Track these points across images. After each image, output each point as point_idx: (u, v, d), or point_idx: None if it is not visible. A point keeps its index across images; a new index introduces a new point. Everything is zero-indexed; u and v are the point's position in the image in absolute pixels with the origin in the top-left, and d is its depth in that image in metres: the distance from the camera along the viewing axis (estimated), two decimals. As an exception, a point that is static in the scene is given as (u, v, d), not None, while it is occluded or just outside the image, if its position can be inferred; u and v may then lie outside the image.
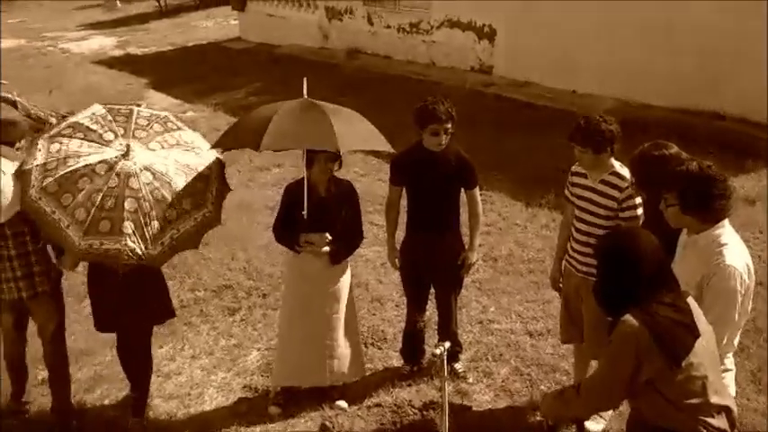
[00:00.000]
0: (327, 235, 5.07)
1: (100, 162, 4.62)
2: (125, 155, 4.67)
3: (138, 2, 28.16)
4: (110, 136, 4.80)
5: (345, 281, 5.31)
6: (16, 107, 11.21)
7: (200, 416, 5.46)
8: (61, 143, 4.70)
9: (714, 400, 3.18)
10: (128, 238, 4.47)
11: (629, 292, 3.19)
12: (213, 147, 5.06)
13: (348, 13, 16.60)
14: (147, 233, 4.53)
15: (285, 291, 5.54)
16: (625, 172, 4.57)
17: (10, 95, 11.73)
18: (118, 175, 4.58)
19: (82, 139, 4.73)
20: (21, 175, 4.60)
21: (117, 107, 5.09)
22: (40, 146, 4.69)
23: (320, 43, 17.34)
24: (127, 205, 4.50)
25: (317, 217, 5.00)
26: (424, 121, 5.07)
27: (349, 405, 5.36)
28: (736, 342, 3.81)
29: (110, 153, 4.67)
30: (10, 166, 4.68)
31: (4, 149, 4.84)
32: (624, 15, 10.92)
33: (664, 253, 3.34)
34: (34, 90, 13.89)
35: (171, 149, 4.89)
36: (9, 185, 4.62)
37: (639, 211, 4.58)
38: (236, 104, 13.10)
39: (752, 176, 8.41)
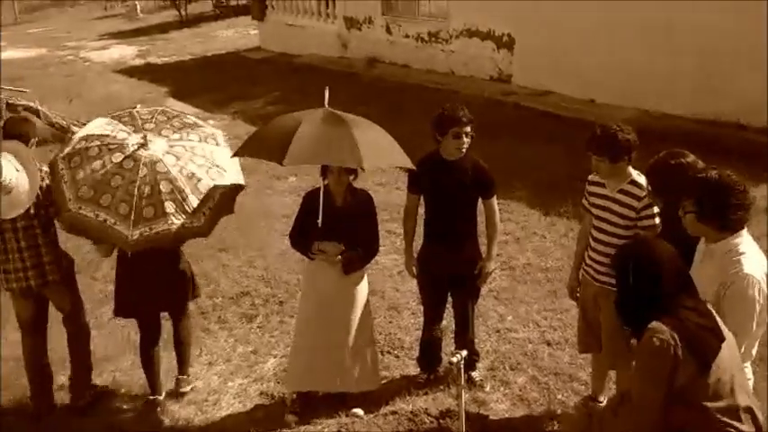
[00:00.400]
0: (340, 245, 5.08)
1: (124, 158, 4.88)
2: (143, 145, 4.94)
3: (159, 12, 28.45)
4: (123, 135, 5.02)
5: (361, 290, 5.31)
6: (39, 116, 11.38)
7: (217, 422, 5.47)
8: (80, 155, 4.91)
9: (741, 400, 3.17)
10: (173, 217, 4.81)
11: (652, 302, 3.17)
12: (234, 155, 5.10)
13: (367, 22, 16.68)
14: (187, 208, 4.86)
15: (301, 297, 5.58)
16: (643, 181, 4.54)
17: (32, 104, 11.89)
18: (144, 164, 4.86)
19: (99, 144, 4.94)
20: (57, 197, 4.86)
21: (117, 113, 5.32)
22: (61, 167, 4.89)
23: (339, 52, 17.43)
24: (162, 188, 4.82)
25: (332, 226, 5.02)
26: (446, 126, 5.07)
27: (365, 413, 5.35)
28: (754, 352, 3.77)
29: (130, 148, 4.93)
30: (19, 164, 4.89)
31: (18, 146, 5.03)
32: (644, 25, 10.89)
33: (681, 260, 3.32)
34: (55, 99, 14.06)
35: (182, 131, 5.21)
36: (23, 182, 4.86)
37: (657, 220, 4.56)
38: (255, 113, 13.19)
39: (772, 186, 8.33)
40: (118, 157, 4.87)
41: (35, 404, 5.49)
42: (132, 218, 4.71)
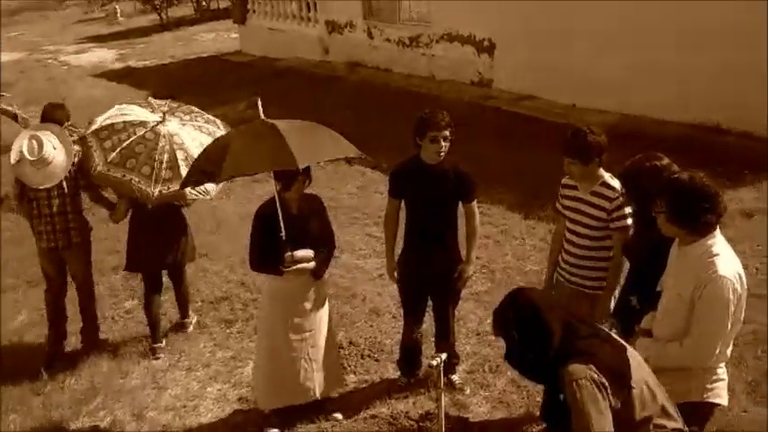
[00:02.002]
0: (310, 251, 5.08)
1: (146, 132, 5.91)
2: (162, 122, 5.98)
3: (139, 15, 28.32)
4: (144, 113, 6.11)
5: (325, 294, 5.34)
6: (17, 120, 11.26)
7: (196, 428, 5.45)
8: (108, 130, 5.91)
9: (660, 399, 3.22)
10: None
11: (546, 349, 3.18)
12: (182, 187, 5.51)
13: (348, 26, 16.67)
14: None
15: (266, 314, 5.37)
16: (615, 183, 4.59)
17: (10, 108, 11.76)
18: (164, 136, 5.90)
19: (123, 121, 5.97)
20: (89, 163, 5.87)
21: (134, 101, 6.62)
22: (90, 140, 5.91)
23: (320, 57, 17.42)
24: (179, 155, 5.83)
25: (294, 235, 4.99)
26: (424, 130, 5.08)
27: (345, 417, 5.34)
28: (728, 352, 3.80)
29: (150, 124, 5.96)
30: (58, 142, 5.89)
31: (56, 127, 6.07)
32: (623, 30, 10.95)
33: (556, 301, 3.41)
34: (37, 102, 13.93)
35: (191, 114, 6.30)
36: (60, 157, 5.88)
37: (629, 221, 4.59)
38: (237, 117, 13.07)
39: (750, 189, 8.40)
40: (140, 131, 5.90)
41: (49, 351, 6.34)
42: (153, 178, 5.74)
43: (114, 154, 5.80)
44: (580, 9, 11.49)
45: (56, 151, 5.86)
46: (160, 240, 6.22)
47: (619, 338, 3.42)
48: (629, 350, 3.29)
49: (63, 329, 6.44)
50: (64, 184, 5.97)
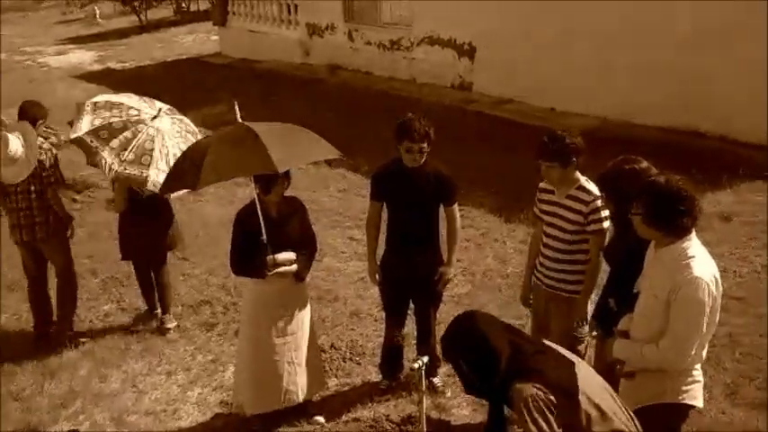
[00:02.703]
0: (292, 254, 5.07)
1: (148, 128, 6.13)
2: (156, 117, 6.23)
3: (118, 17, 28.13)
4: (141, 104, 6.38)
5: (306, 297, 5.33)
6: (-6, 121, 11.14)
7: (176, 432, 5.41)
8: (107, 129, 6.05)
9: (606, 408, 3.23)
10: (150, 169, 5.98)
11: (494, 371, 3.20)
12: (161, 193, 5.68)
13: (329, 29, 16.66)
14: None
15: (247, 317, 5.32)
16: (591, 186, 4.63)
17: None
18: (156, 129, 6.15)
19: (120, 120, 6.13)
20: (78, 141, 6.01)
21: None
22: (90, 139, 5.99)
23: (301, 59, 17.39)
24: (159, 150, 6.06)
25: (275, 238, 4.97)
26: (400, 138, 5.10)
27: (327, 420, 5.34)
28: (704, 353, 3.84)
29: (147, 120, 6.19)
30: (23, 140, 6.01)
31: (26, 126, 6.19)
32: (603, 34, 11.03)
33: (499, 322, 3.40)
34: (15, 105, 13.79)
35: (175, 114, 6.59)
36: (26, 155, 5.99)
37: (605, 224, 4.63)
38: (217, 119, 13.03)
39: (728, 192, 8.49)
40: (142, 128, 6.10)
41: (35, 333, 6.63)
42: (127, 161, 5.97)
43: (126, 152, 5.98)
44: (560, 13, 11.58)
45: (23, 149, 6.00)
46: (139, 233, 6.48)
47: (567, 353, 3.44)
48: (577, 365, 3.29)
49: (45, 314, 6.64)
50: (30, 180, 6.10)
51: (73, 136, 6.03)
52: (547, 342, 3.42)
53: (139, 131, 6.08)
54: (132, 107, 6.29)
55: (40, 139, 6.27)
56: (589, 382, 3.25)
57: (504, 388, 3.16)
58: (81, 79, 18.05)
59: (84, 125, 6.03)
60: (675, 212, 3.58)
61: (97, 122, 6.07)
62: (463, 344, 3.28)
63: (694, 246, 3.68)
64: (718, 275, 3.70)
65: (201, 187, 4.91)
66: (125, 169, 5.93)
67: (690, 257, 3.62)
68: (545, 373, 3.12)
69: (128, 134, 6.03)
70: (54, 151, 6.34)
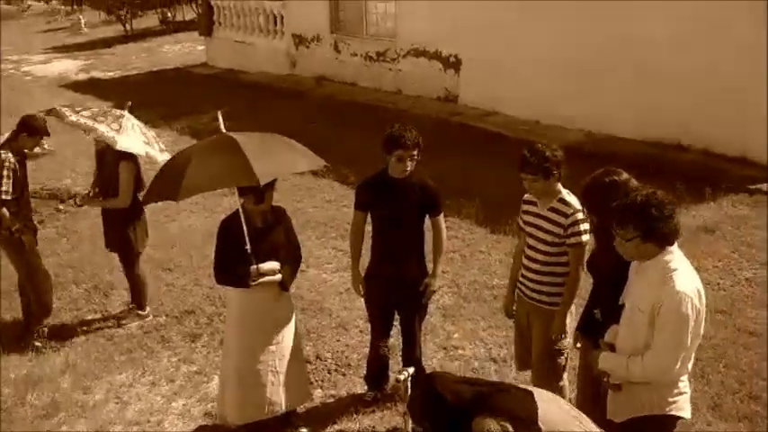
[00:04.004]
0: (276, 263, 5.06)
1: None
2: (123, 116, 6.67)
3: (103, 26, 28.06)
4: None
5: (291, 307, 5.32)
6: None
7: (160, 444, 5.37)
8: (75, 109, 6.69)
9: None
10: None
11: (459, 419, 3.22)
12: (144, 203, 5.99)
13: (315, 40, 16.69)
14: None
15: (232, 328, 5.29)
16: (571, 199, 4.65)
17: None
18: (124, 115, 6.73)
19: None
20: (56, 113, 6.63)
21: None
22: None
23: (287, 70, 17.39)
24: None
25: (259, 248, 4.96)
26: (391, 147, 5.10)
27: (312, 432, 5.32)
28: (690, 365, 3.85)
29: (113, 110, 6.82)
30: None
31: None
32: (589, 46, 11.11)
33: (458, 377, 3.46)
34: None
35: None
36: None
37: (584, 237, 4.64)
38: (202, 129, 13.05)
39: (711, 206, 8.55)
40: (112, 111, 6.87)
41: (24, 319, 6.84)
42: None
43: (101, 117, 6.61)
44: (546, 27, 11.66)
45: None
46: (108, 228, 6.83)
47: (530, 387, 3.46)
48: (537, 394, 3.30)
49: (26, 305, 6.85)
50: None
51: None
52: (508, 382, 3.41)
53: (109, 112, 6.76)
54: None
55: None
56: (552, 410, 3.26)
57: (465, 428, 3.18)
58: (66, 89, 17.97)
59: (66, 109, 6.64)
60: (666, 220, 3.59)
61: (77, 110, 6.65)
62: (426, 409, 3.30)
63: (677, 259, 3.69)
64: (701, 288, 3.71)
65: (182, 198, 4.88)
66: (96, 125, 6.43)
67: (673, 270, 3.64)
68: (504, 407, 3.15)
69: (99, 112, 6.75)
70: (10, 168, 6.29)
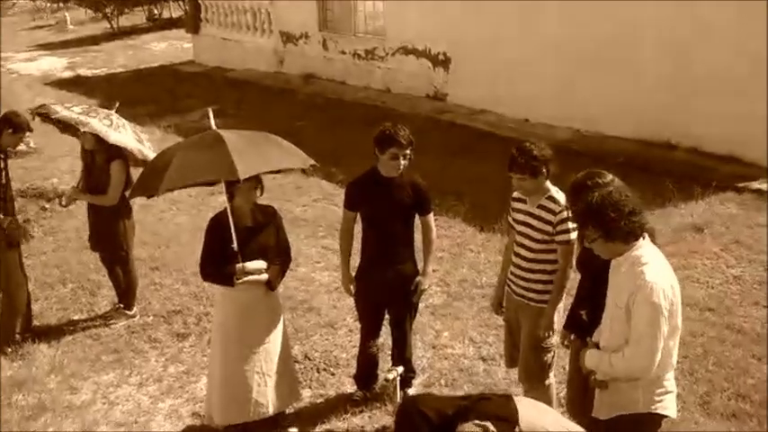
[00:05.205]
0: (263, 262, 5.04)
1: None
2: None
3: (89, 23, 27.89)
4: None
5: (279, 306, 5.30)
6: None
7: (148, 444, 5.33)
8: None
9: None
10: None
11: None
12: (131, 197, 5.94)
13: (303, 38, 16.63)
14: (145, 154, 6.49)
15: (218, 326, 5.26)
16: (560, 196, 4.66)
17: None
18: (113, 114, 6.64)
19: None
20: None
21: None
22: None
23: (275, 68, 17.33)
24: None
25: (248, 247, 4.95)
26: (384, 146, 5.08)
27: (301, 432, 5.29)
28: (673, 361, 3.86)
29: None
30: None
31: None
32: (578, 45, 11.12)
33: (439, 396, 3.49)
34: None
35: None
36: None
37: (573, 235, 4.65)
38: (189, 127, 12.96)
39: (700, 204, 8.56)
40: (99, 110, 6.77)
41: None
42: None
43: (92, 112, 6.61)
44: (535, 25, 11.66)
45: None
46: (93, 229, 6.81)
47: (503, 391, 3.49)
48: (518, 398, 3.31)
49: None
50: None
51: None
52: (489, 392, 3.40)
53: (98, 110, 6.72)
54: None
55: None
56: (532, 413, 3.27)
57: None
58: (52, 86, 17.84)
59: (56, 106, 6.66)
60: (625, 218, 3.62)
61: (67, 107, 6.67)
62: (409, 428, 3.30)
63: (647, 253, 3.74)
64: (674, 281, 3.76)
65: (164, 191, 4.92)
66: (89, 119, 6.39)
67: (644, 264, 3.69)
68: (485, 411, 3.16)
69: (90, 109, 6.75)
70: None
